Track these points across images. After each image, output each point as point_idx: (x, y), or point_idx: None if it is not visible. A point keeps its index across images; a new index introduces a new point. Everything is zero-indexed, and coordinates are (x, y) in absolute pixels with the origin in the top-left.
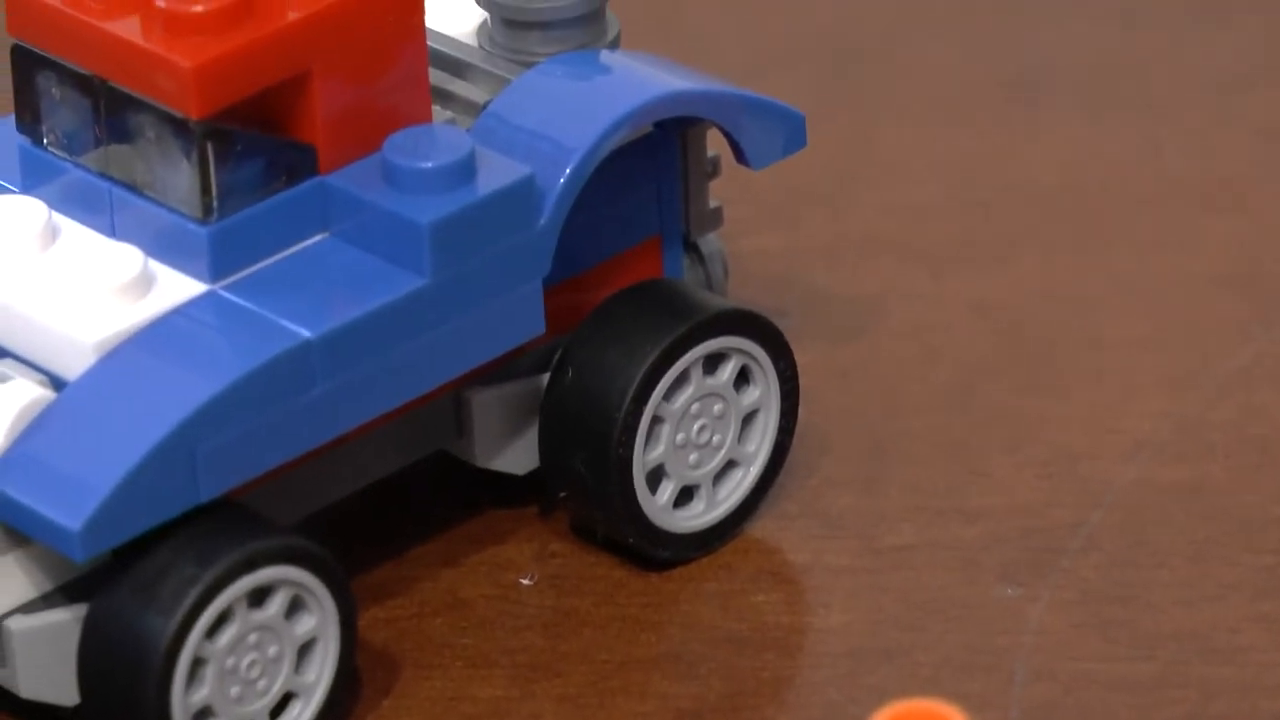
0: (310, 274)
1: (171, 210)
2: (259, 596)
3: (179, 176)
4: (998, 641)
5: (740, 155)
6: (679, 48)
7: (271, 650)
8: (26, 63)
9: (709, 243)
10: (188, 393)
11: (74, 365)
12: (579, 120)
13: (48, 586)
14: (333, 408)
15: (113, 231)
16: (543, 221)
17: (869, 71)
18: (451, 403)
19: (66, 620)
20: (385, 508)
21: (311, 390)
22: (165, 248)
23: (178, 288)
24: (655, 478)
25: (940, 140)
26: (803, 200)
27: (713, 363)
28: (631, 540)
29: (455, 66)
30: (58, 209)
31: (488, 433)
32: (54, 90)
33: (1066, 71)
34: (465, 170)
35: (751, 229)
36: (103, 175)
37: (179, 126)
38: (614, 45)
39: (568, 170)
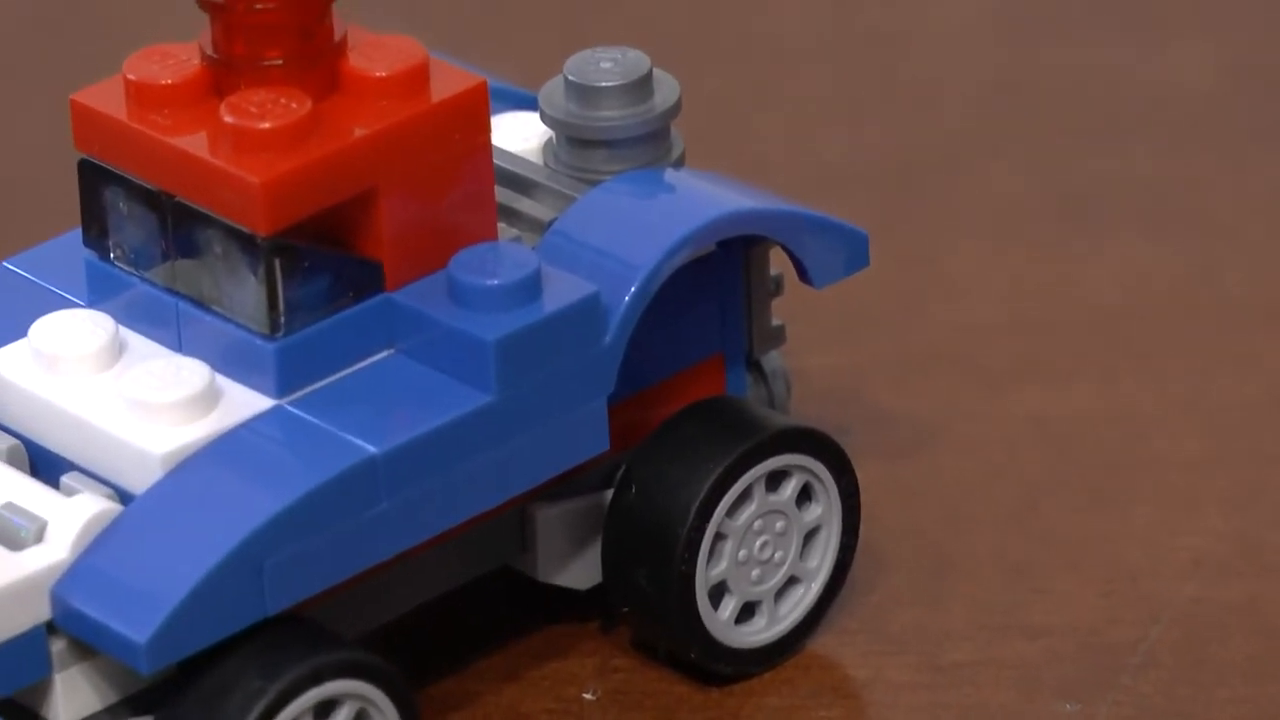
0: (376, 390)
1: (239, 325)
2: (325, 710)
3: (246, 292)
4: None
5: (803, 274)
6: (742, 166)
7: None
8: (94, 177)
9: (771, 360)
10: (255, 507)
11: (141, 478)
12: (644, 238)
13: (113, 699)
14: (398, 523)
15: (180, 346)
16: (608, 339)
17: (930, 191)
18: (515, 518)
19: None
20: (449, 621)
21: (377, 505)
22: (232, 362)
23: (245, 402)
24: (718, 593)
25: (1001, 259)
26: (864, 318)
27: (775, 479)
28: (693, 655)
29: (521, 184)
30: (125, 323)
31: (551, 548)
32: (121, 205)
33: (1126, 191)
34: (531, 288)
35: (813, 346)
36: (170, 290)
37: (246, 242)
38: (678, 163)
39: (633, 288)
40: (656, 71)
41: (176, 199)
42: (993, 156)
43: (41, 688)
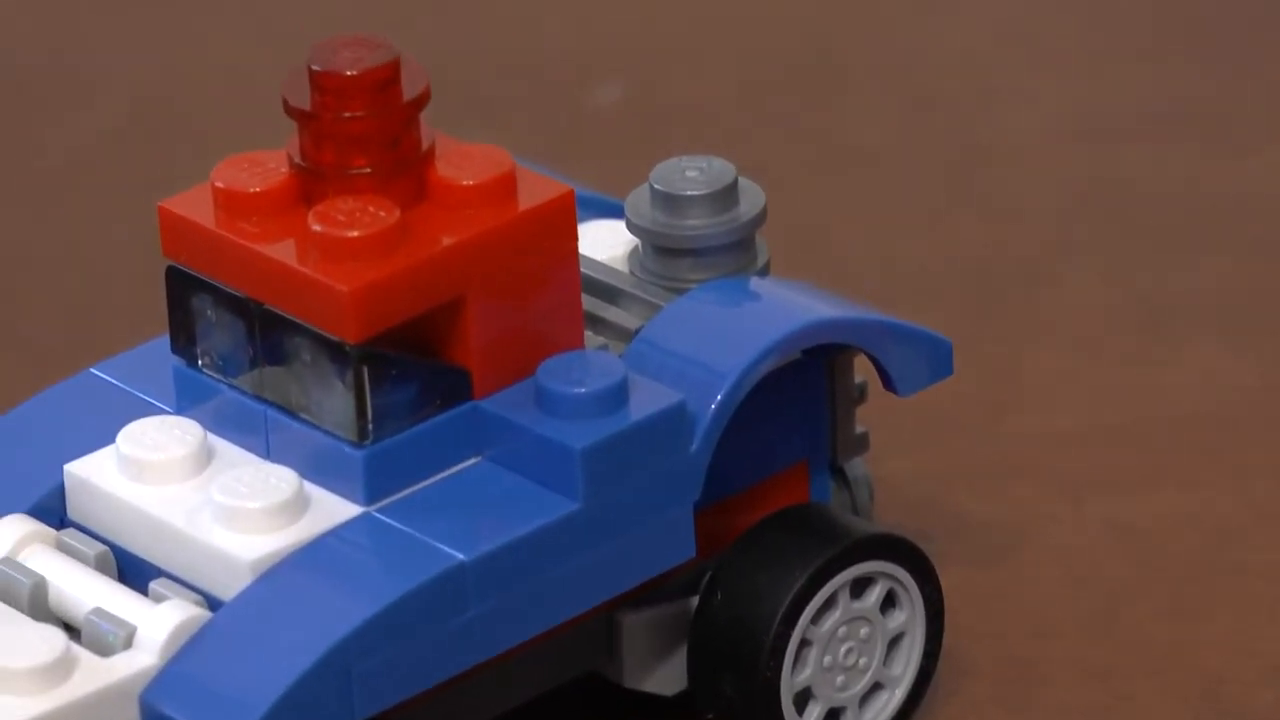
0: (464, 497)
1: (327, 433)
2: None
3: (334, 399)
4: None
5: (888, 381)
6: (826, 274)
7: None
8: (182, 285)
9: (855, 467)
10: (344, 613)
11: (230, 585)
12: (730, 347)
13: None
14: (486, 630)
15: (268, 453)
16: (694, 446)
17: (1012, 299)
18: (602, 624)
19: None
20: None
21: (465, 612)
22: (320, 469)
23: (333, 509)
24: (802, 700)
25: (1082, 366)
26: (947, 424)
27: (860, 586)
28: None
29: (608, 292)
30: (213, 430)
31: (637, 654)
32: (209, 312)
33: (1206, 299)
34: (618, 396)
35: (897, 452)
36: (258, 397)
37: (335, 350)
38: (764, 271)
39: (719, 397)
40: (741, 180)
41: (265, 307)
42: (1074, 264)
43: None
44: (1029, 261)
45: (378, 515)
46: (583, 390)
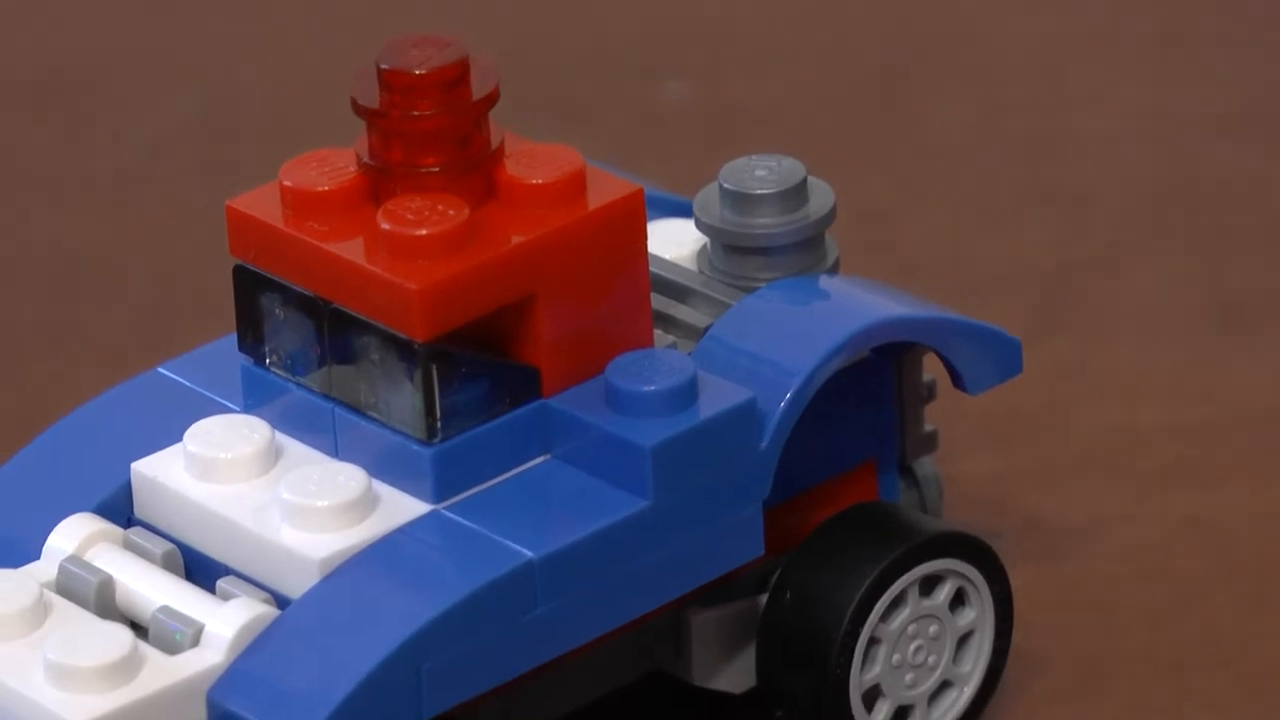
0: (532, 495)
1: (395, 431)
2: None
3: (403, 397)
4: None
5: (957, 380)
6: (896, 272)
7: None
8: (250, 283)
9: (924, 465)
10: (412, 611)
11: (298, 583)
12: (799, 345)
13: None
14: (554, 628)
15: (336, 451)
16: (764, 444)
17: (1083, 294)
18: (670, 622)
19: None
20: None
21: (534, 610)
22: (388, 468)
23: (401, 507)
24: (871, 698)
25: (1155, 362)
26: (1017, 421)
27: (929, 584)
28: None
29: (677, 291)
30: (280, 428)
31: (706, 652)
32: (277, 310)
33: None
34: (688, 394)
35: (965, 451)
36: (326, 396)
37: (403, 349)
38: (833, 270)
39: (789, 394)
40: (811, 179)
41: (333, 305)
42: (1147, 261)
43: None
44: (1101, 258)
45: (446, 513)
46: (652, 388)
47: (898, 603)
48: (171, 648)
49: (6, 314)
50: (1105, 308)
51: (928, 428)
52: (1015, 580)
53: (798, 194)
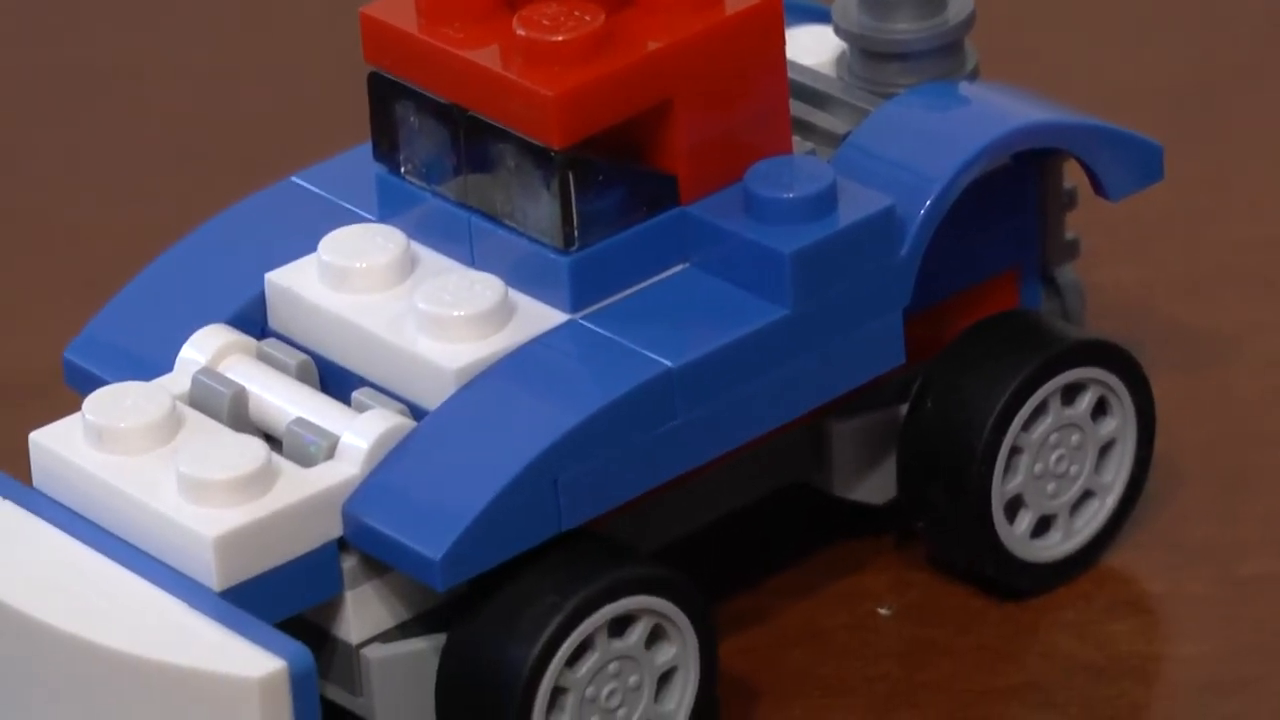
0: (671, 304)
1: (532, 240)
2: (619, 625)
3: (540, 206)
4: None
5: (1098, 187)
6: (1037, 79)
7: (631, 679)
8: (384, 91)
9: (1065, 274)
10: (550, 422)
11: (434, 394)
12: (939, 151)
13: (405, 616)
14: (693, 438)
15: (472, 261)
16: (903, 252)
17: (1223, 108)
18: (810, 433)
19: (424, 650)
20: (743, 538)
21: (672, 420)
22: (525, 277)
23: (538, 317)
24: (1013, 508)
25: None
26: (1158, 232)
27: (1070, 393)
28: (989, 570)
29: (815, 97)
30: (416, 238)
31: (846, 463)
32: (412, 119)
33: None
34: (827, 201)
35: (1107, 260)
36: (462, 204)
37: (540, 156)
38: (972, 76)
39: (928, 201)
40: None
41: (469, 113)
42: None
43: (332, 605)
44: (1243, 67)
45: (583, 323)
46: (792, 195)
47: (1040, 412)
48: (306, 460)
49: (139, 131)
50: (1247, 121)
51: (1069, 235)
52: (1157, 389)
53: None
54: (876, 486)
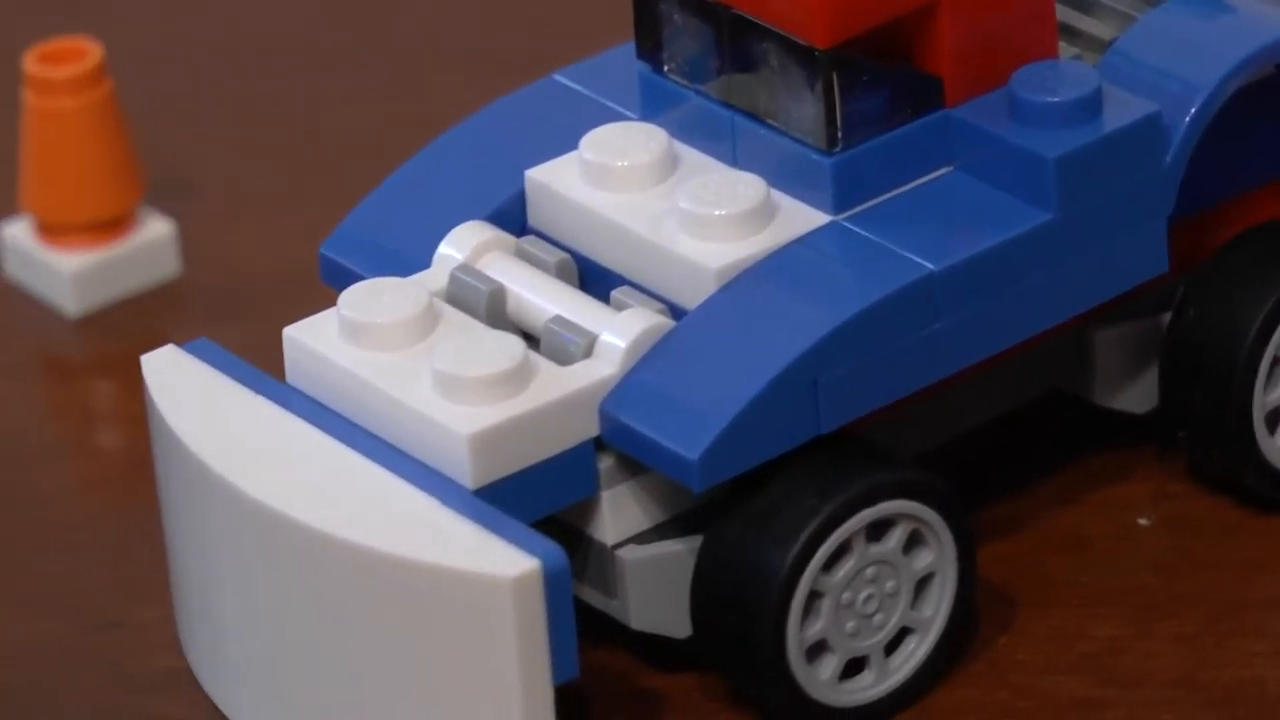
0: (933, 207)
1: (795, 140)
2: (877, 530)
3: (803, 106)
4: None
5: None
6: None
7: (889, 585)
8: None
9: None
10: (810, 323)
11: (693, 294)
12: (1205, 59)
13: (660, 517)
14: (954, 342)
15: (734, 160)
16: (1168, 159)
17: None
18: (1071, 341)
19: (679, 551)
20: (1002, 444)
21: (933, 324)
22: (787, 177)
23: (800, 218)
24: (1275, 419)
25: None
26: None
27: None
28: (1249, 481)
29: (1081, 3)
30: (678, 136)
31: (1108, 371)
32: (676, 17)
33: None
34: (1092, 106)
35: None
36: (724, 104)
37: (804, 56)
38: None
39: (1193, 109)
40: None
41: (734, 11)
42: None
43: (588, 506)
44: None
45: (846, 224)
46: (1057, 99)
47: None
48: (564, 358)
49: (408, 28)
50: None
51: None
52: None
53: None
54: (1138, 395)
